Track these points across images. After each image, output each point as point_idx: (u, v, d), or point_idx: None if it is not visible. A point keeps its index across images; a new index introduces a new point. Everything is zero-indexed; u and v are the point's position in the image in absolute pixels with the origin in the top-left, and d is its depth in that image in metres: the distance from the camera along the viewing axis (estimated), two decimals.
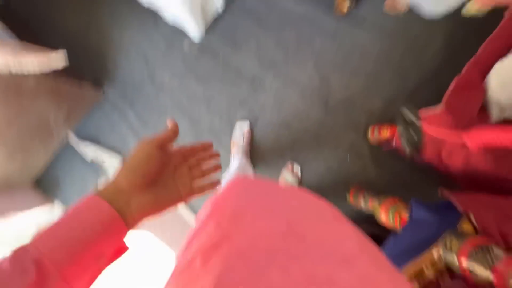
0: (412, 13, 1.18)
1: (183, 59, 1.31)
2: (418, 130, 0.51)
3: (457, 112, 0.69)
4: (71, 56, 1.15)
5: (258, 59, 1.26)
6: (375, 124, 1.20)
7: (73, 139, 1.33)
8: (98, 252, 0.28)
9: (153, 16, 1.30)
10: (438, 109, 0.72)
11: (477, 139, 0.51)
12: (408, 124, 0.53)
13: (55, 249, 0.26)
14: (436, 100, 1.20)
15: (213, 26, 1.28)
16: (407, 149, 0.59)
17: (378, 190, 1.17)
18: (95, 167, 1.34)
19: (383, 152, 1.19)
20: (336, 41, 1.23)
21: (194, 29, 1.20)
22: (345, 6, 1.17)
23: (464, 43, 1.18)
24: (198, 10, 1.07)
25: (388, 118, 1.20)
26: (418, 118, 0.52)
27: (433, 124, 0.75)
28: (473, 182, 0.83)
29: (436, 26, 1.19)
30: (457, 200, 0.68)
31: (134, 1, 1.30)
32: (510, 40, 0.75)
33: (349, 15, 1.22)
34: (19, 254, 0.25)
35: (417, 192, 1.15)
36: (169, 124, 0.36)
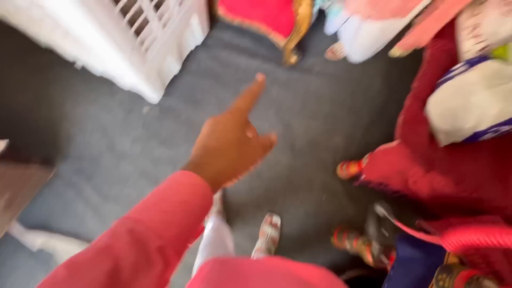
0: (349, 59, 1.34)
1: (144, 124, 1.28)
2: (391, 227, 0.50)
3: (412, 143, 0.74)
4: (17, 135, 1.05)
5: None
6: (341, 160, 1.23)
7: (17, 229, 1.14)
8: (198, 231, 0.28)
9: (107, 84, 1.29)
10: (394, 143, 0.76)
11: (455, 241, 0.52)
12: (381, 220, 0.52)
13: (177, 237, 0.24)
14: (389, 132, 1.30)
15: (172, 87, 1.30)
16: (375, 249, 0.58)
17: (359, 226, 1.15)
18: (45, 257, 1.14)
19: (356, 187, 1.20)
20: (291, 89, 1.32)
21: (152, 93, 1.20)
22: (293, 58, 1.29)
23: (400, 79, 1.34)
24: (153, 75, 1.08)
25: (352, 153, 1.26)
26: (391, 214, 0.51)
27: (392, 156, 0.79)
28: (443, 205, 0.86)
29: (372, 67, 1.36)
30: (435, 230, 0.68)
31: (86, 72, 1.29)
32: (434, 76, 0.87)
33: (298, 65, 1.34)
34: (141, 240, 0.22)
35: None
36: (259, 77, 0.34)
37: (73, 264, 0.21)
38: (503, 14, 0.73)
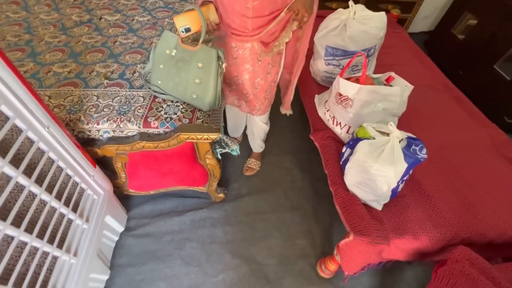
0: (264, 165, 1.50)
1: None
2: None
3: (361, 228, 0.79)
4: None
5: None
6: (317, 261, 1.19)
7: None
8: None
9: None
10: (351, 237, 0.80)
11: None
12: None
13: None
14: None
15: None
16: None
17: None
18: None
19: (352, 281, 1.13)
20: (233, 222, 1.30)
21: None
22: (220, 195, 1.33)
23: (309, 161, 1.55)
24: None
25: (320, 247, 1.24)
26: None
27: (356, 248, 0.81)
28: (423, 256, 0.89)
29: (285, 164, 1.54)
30: None
31: None
32: (334, 160, 1.04)
33: (227, 197, 1.38)
34: None
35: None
36: None
37: None
38: (343, 108, 1.01)
